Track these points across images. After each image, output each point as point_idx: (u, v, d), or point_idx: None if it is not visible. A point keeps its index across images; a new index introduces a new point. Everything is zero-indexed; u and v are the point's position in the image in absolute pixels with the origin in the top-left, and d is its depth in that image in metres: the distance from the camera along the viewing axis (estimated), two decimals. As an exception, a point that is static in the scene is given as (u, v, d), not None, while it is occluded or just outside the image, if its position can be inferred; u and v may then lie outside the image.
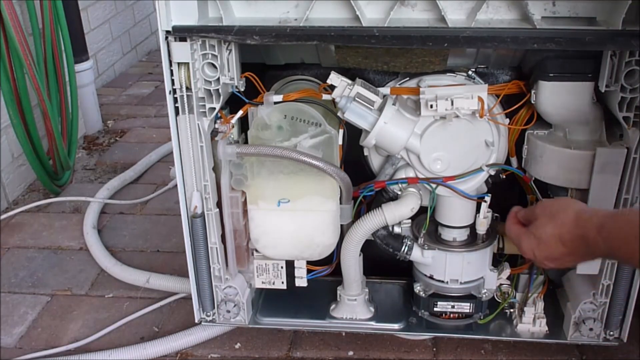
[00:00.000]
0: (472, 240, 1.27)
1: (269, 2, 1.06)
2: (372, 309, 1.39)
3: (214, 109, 1.14)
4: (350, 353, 1.45)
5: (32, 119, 2.01)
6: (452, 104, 1.10)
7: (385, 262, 1.34)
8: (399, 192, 1.23)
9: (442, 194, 1.22)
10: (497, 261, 1.33)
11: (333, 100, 1.16)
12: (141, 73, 3.49)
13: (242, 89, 1.16)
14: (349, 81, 1.15)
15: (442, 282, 1.28)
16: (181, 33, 1.05)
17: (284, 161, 1.17)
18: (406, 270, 1.39)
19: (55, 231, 1.98)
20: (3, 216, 2.04)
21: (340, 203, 1.24)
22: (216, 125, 1.17)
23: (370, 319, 1.37)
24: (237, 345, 1.48)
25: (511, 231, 1.08)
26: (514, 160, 1.26)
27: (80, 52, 2.53)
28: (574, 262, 1.02)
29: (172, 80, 1.11)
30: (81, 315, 1.60)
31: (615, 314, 1.25)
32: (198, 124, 1.14)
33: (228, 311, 1.33)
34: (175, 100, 1.13)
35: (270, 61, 1.28)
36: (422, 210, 1.25)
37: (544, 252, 0.99)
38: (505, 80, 1.21)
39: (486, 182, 1.22)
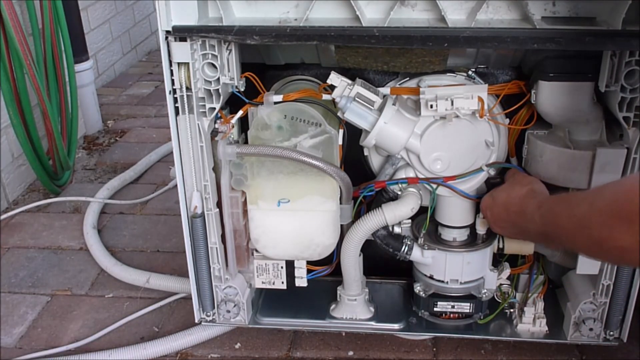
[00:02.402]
0: (472, 240, 1.27)
1: (269, 2, 1.06)
2: (372, 309, 1.39)
3: (214, 109, 1.14)
4: (350, 353, 1.45)
5: (32, 119, 2.01)
6: (452, 104, 1.10)
7: (385, 262, 1.34)
8: (399, 192, 1.23)
9: (442, 194, 1.22)
10: (497, 261, 1.33)
11: (333, 100, 1.16)
12: (141, 73, 3.49)
13: (242, 89, 1.16)
14: (349, 81, 1.15)
15: (442, 282, 1.28)
16: (181, 33, 1.05)
17: (284, 161, 1.17)
18: (406, 270, 1.39)
19: (55, 231, 1.98)
20: (3, 216, 2.04)
21: (340, 203, 1.24)
22: (216, 125, 1.17)
23: (370, 319, 1.37)
24: (237, 345, 1.48)
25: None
26: (514, 161, 1.26)
27: (80, 52, 2.53)
28: (516, 235, 1.09)
29: (172, 80, 1.11)
30: (81, 315, 1.60)
31: (615, 314, 1.25)
32: (198, 124, 1.14)
33: (228, 311, 1.33)
34: (175, 100, 1.13)
35: (270, 61, 1.28)
36: (422, 210, 1.25)
37: (494, 214, 1.09)
38: (505, 80, 1.21)
39: (486, 182, 1.22)
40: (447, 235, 1.27)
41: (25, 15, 2.06)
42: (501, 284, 1.34)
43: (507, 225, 1.05)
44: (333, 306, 1.39)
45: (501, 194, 1.09)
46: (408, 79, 1.21)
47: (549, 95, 1.12)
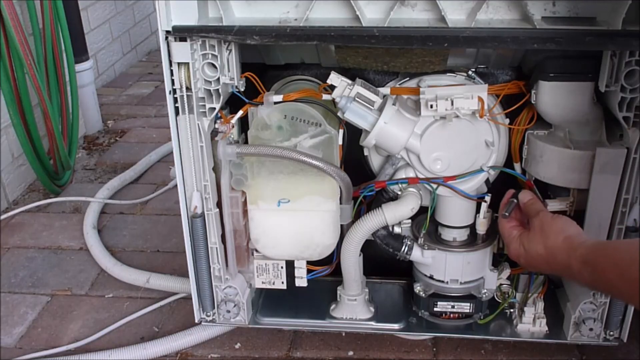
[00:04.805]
0: (472, 240, 1.27)
1: (269, 2, 1.06)
2: (372, 309, 1.39)
3: (214, 109, 1.14)
4: (350, 353, 1.45)
5: (32, 119, 2.01)
6: (452, 104, 1.10)
7: (385, 262, 1.34)
8: (399, 192, 1.23)
9: (442, 194, 1.22)
10: (497, 261, 1.33)
11: (333, 100, 1.16)
12: (141, 73, 3.49)
13: (242, 89, 1.16)
14: (349, 81, 1.15)
15: (442, 282, 1.28)
16: (181, 33, 1.05)
17: (284, 161, 1.17)
18: (406, 270, 1.39)
19: (55, 231, 1.98)
20: (3, 216, 2.04)
21: (340, 203, 1.24)
22: (216, 125, 1.17)
23: (370, 319, 1.37)
24: (237, 345, 1.48)
25: (503, 230, 1.14)
26: (518, 166, 1.25)
27: (80, 52, 2.53)
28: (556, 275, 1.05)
29: (172, 80, 1.10)
30: (81, 315, 1.60)
31: (615, 314, 1.25)
32: (198, 124, 1.14)
33: (228, 311, 1.33)
34: (175, 100, 1.12)
35: (270, 61, 1.28)
36: (422, 210, 1.25)
37: (530, 262, 1.06)
38: (505, 80, 1.21)
39: (486, 182, 1.22)
40: (447, 235, 1.27)
41: (26, 15, 2.06)
42: (501, 284, 1.34)
43: (545, 270, 1.04)
44: (333, 306, 1.39)
45: (535, 246, 1.03)
46: (408, 79, 1.21)
47: (549, 96, 1.12)
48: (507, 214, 1.14)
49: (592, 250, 0.91)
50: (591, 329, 1.27)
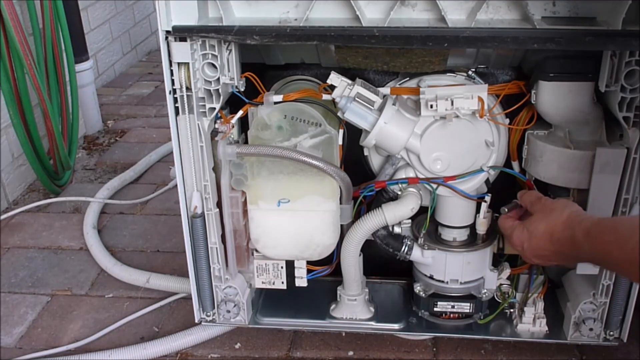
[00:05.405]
0: (472, 240, 1.27)
1: (269, 2, 1.06)
2: (372, 309, 1.39)
3: (214, 109, 1.14)
4: (350, 353, 1.45)
5: (32, 119, 2.01)
6: (452, 104, 1.10)
7: (385, 262, 1.34)
8: (399, 192, 1.23)
9: (442, 194, 1.22)
10: (497, 261, 1.33)
11: (333, 100, 1.16)
12: (141, 73, 3.49)
13: (242, 89, 1.16)
14: (349, 81, 1.15)
15: (442, 282, 1.28)
16: (181, 33, 1.05)
17: (284, 161, 1.17)
18: (406, 270, 1.39)
19: (55, 231, 1.98)
20: (3, 216, 2.04)
21: (340, 203, 1.24)
22: (216, 125, 1.17)
23: (370, 319, 1.37)
24: (237, 345, 1.48)
25: (505, 223, 1.12)
26: (515, 165, 1.25)
27: (80, 52, 2.53)
28: (560, 262, 1.04)
29: (172, 80, 1.11)
30: (81, 315, 1.60)
31: (615, 314, 1.25)
32: (198, 124, 1.14)
33: (228, 311, 1.33)
34: (175, 100, 1.13)
35: (270, 61, 1.28)
36: (422, 210, 1.25)
37: (533, 246, 1.03)
38: (505, 80, 1.21)
39: (486, 182, 1.22)
40: (447, 235, 1.27)
41: (26, 15, 2.06)
42: (501, 284, 1.34)
43: (549, 253, 1.00)
44: (333, 306, 1.39)
45: (539, 224, 1.02)
46: (408, 79, 1.21)
47: (549, 96, 1.12)
48: (506, 209, 1.15)
49: (597, 223, 0.90)
50: (591, 329, 1.27)
